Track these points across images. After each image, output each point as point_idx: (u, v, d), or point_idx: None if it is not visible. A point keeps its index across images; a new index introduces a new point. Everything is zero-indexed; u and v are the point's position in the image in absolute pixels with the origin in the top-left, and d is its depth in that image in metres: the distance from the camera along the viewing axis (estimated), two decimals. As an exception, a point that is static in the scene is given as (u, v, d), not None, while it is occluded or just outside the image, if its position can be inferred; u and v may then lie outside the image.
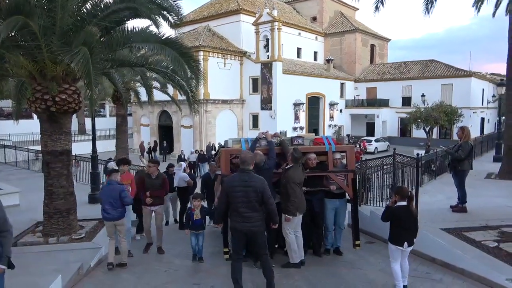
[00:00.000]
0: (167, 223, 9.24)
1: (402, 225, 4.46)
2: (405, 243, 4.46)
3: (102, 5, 6.17)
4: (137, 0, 6.04)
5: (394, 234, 4.58)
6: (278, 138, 6.16)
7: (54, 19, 5.91)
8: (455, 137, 32.43)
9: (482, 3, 14.09)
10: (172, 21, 7.05)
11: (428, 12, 8.45)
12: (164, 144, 28.68)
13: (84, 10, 6.24)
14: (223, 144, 6.68)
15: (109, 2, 6.23)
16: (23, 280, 4.43)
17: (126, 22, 7.07)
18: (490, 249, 5.01)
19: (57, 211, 6.80)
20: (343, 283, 5.01)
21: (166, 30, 7.74)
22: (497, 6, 14.38)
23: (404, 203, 4.51)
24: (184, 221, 7.08)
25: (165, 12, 7.07)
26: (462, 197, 6.83)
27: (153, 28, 8.38)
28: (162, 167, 8.17)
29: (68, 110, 6.64)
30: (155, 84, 17.70)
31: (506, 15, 12.06)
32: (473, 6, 14.67)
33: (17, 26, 4.96)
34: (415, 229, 4.57)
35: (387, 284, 4.87)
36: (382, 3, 8.41)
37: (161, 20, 7.20)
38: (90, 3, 6.49)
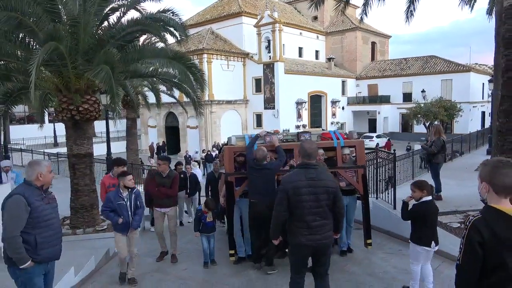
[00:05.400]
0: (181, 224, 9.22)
1: (429, 223, 4.17)
2: (433, 242, 4.17)
3: (118, 28, 7.13)
4: (148, 23, 7.00)
5: (421, 234, 4.19)
6: (284, 135, 5.92)
7: (77, 40, 6.90)
8: (455, 131, 32.85)
9: (475, 1, 14.82)
10: (179, 37, 8.01)
11: (408, 21, 9.33)
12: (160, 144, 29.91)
13: (103, 32, 7.21)
14: (226, 142, 6.39)
15: (124, 24, 7.20)
16: (64, 261, 5.31)
17: (138, 39, 8.07)
18: (452, 229, 5.91)
19: (82, 206, 7.78)
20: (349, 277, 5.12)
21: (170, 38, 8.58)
22: (490, 3, 15.04)
23: (430, 197, 4.27)
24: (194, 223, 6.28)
25: (171, 29, 8.04)
26: (437, 187, 7.69)
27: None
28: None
29: (90, 118, 7.61)
30: (162, 88, 18.69)
31: (487, 13, 12.72)
32: (466, 4, 15.36)
33: (50, 50, 5.92)
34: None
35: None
36: (366, 14, 9.31)
37: (168, 35, 8.23)
38: (107, 25, 7.49)
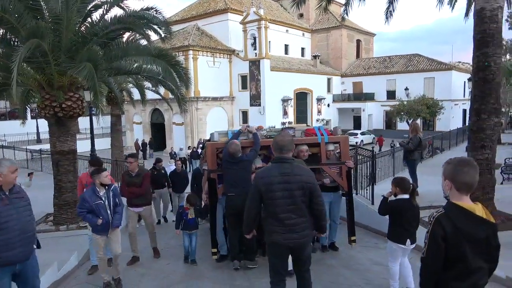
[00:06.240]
0: (158, 222, 9.15)
1: (404, 220, 4.16)
2: (408, 241, 4.15)
3: (101, 25, 7.16)
4: (131, 21, 7.05)
5: (395, 231, 4.23)
6: (268, 131, 5.90)
7: (60, 37, 6.91)
8: (438, 128, 33.45)
9: (456, 1, 15.20)
10: (163, 34, 8.07)
11: (388, 21, 9.60)
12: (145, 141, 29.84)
13: (86, 30, 7.23)
14: (209, 138, 6.36)
15: (108, 21, 7.23)
16: (47, 257, 5.37)
17: (122, 36, 8.10)
18: (425, 223, 6.15)
19: (66, 203, 7.80)
20: (334, 274, 5.13)
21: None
22: (467, 5, 15.46)
23: (406, 196, 4.24)
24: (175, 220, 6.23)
25: (155, 27, 8.09)
26: (414, 183, 7.95)
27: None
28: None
29: (73, 115, 7.61)
30: (147, 84, 18.63)
31: (465, 15, 13.11)
32: (443, 5, 15.72)
33: (33, 47, 5.93)
34: (417, 225, 4.31)
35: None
36: (347, 13, 9.55)
37: (151, 33, 8.28)
38: (90, 22, 7.51)
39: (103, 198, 4.71)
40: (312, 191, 3.37)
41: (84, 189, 5.50)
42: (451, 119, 33.90)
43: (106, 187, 4.78)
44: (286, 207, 3.33)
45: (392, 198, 4.42)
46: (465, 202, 2.18)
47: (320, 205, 3.45)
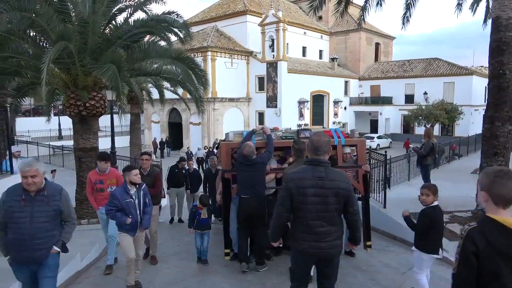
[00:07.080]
0: (171, 221, 9.35)
1: (435, 228, 3.99)
2: (440, 249, 4.01)
3: (125, 28, 7.48)
4: (153, 25, 7.35)
5: (428, 241, 4.00)
6: (283, 131, 5.84)
7: (86, 40, 7.25)
8: (457, 133, 33.00)
9: (477, 5, 15.03)
10: (183, 37, 8.35)
11: (404, 27, 9.65)
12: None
13: (110, 33, 7.56)
14: (224, 138, 6.26)
15: (131, 24, 7.54)
16: (70, 248, 5.62)
17: (143, 38, 8.41)
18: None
19: (87, 198, 8.13)
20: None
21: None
22: (485, 14, 15.27)
23: (437, 202, 4.08)
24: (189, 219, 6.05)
25: (176, 30, 8.38)
26: (427, 188, 7.99)
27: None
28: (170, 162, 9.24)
29: (96, 114, 7.97)
30: (166, 84, 19.06)
31: (483, 22, 13.00)
32: (469, 8, 15.53)
33: (60, 49, 6.26)
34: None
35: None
36: (364, 20, 9.65)
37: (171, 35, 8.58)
38: (114, 26, 7.84)
39: (134, 197, 4.58)
40: (347, 198, 3.11)
41: (93, 187, 5.64)
42: (471, 124, 33.30)
43: (137, 186, 4.65)
44: (317, 214, 3.08)
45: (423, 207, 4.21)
46: (502, 216, 1.98)
47: (355, 215, 3.18)
